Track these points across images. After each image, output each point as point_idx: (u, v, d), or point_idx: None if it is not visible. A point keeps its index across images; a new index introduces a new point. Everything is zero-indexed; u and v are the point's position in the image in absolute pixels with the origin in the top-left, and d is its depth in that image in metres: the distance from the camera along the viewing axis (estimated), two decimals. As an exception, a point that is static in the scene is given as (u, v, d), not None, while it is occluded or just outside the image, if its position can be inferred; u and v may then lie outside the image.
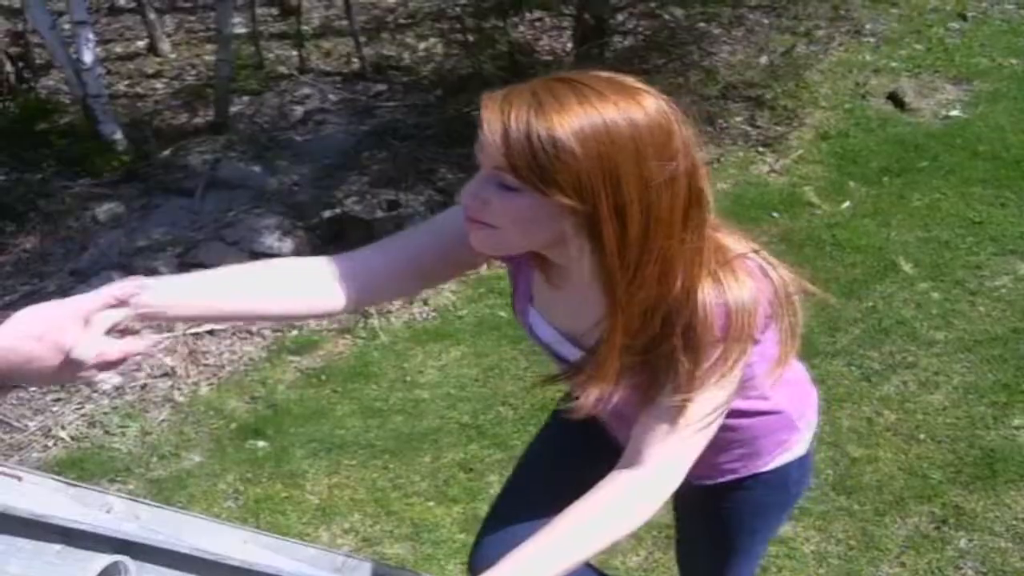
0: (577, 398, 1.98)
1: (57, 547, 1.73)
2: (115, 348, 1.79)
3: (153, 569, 1.86)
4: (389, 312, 5.80)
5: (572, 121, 1.70)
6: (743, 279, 1.85)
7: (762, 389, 2.18)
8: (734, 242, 1.92)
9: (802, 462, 2.48)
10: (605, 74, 1.80)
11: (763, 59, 7.76)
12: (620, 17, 7.82)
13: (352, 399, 5.22)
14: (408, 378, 5.34)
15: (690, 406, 1.92)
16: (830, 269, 5.71)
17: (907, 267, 5.66)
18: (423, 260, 2.12)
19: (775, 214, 6.33)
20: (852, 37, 8.19)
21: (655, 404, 1.95)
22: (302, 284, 2.07)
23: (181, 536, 2.02)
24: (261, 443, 4.99)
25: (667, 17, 7.74)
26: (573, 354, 2.10)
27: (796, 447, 2.43)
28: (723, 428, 2.02)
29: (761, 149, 7.06)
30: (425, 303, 5.85)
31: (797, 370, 2.42)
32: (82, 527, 1.74)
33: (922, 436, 4.56)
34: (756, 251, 1.93)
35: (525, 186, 1.74)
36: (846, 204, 6.37)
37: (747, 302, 1.84)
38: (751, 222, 6.15)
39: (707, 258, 1.84)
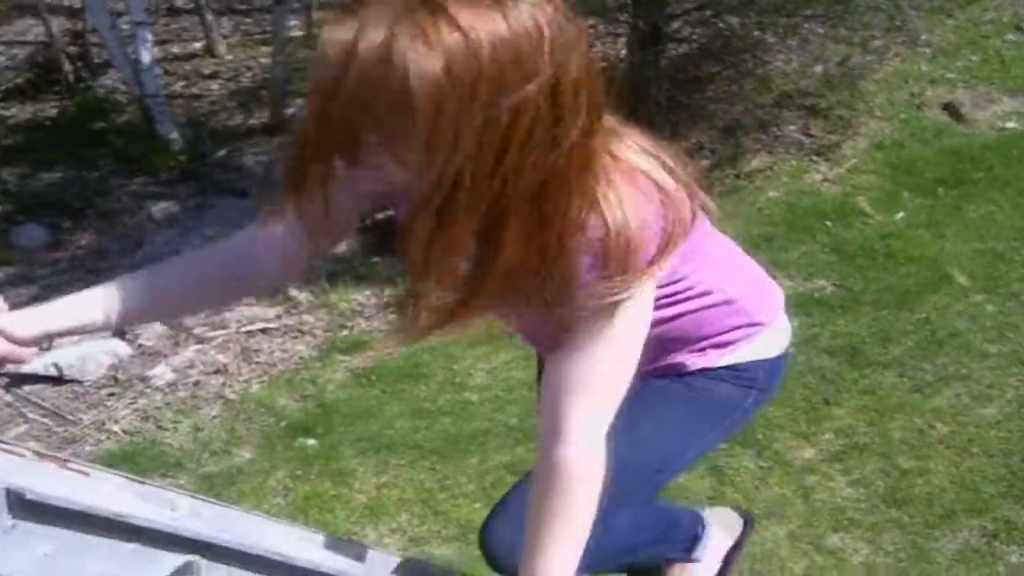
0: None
1: (131, 546, 1.72)
2: None
3: (224, 569, 1.86)
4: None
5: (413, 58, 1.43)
6: (630, 200, 1.65)
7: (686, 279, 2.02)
8: (632, 153, 1.71)
9: (771, 364, 2.32)
10: None
11: (818, 68, 7.69)
12: (675, 25, 7.79)
13: (401, 400, 5.22)
14: (457, 380, 5.33)
15: (594, 354, 1.77)
16: (883, 280, 5.66)
17: (961, 279, 5.60)
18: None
19: (828, 224, 6.27)
20: (908, 47, 8.11)
21: (555, 360, 1.80)
22: (265, 251, 1.96)
23: (246, 536, 2.01)
24: (311, 441, 4.99)
25: (722, 25, 7.70)
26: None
27: (760, 343, 2.28)
28: (654, 323, 1.86)
29: (815, 158, 7.01)
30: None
31: (747, 263, 2.30)
32: (157, 526, 1.74)
33: (974, 449, 4.50)
34: (655, 160, 1.72)
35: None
36: (900, 215, 6.31)
37: (631, 228, 1.64)
38: (804, 231, 6.12)
39: (587, 177, 1.61)
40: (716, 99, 7.39)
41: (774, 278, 2.36)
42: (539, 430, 1.87)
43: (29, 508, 1.64)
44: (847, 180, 6.75)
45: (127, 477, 1.99)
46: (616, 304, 1.71)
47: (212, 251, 2.07)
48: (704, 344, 2.21)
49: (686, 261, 1.90)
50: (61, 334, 1.91)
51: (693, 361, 2.24)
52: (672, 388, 2.25)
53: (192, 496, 2.10)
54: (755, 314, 2.24)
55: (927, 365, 5.01)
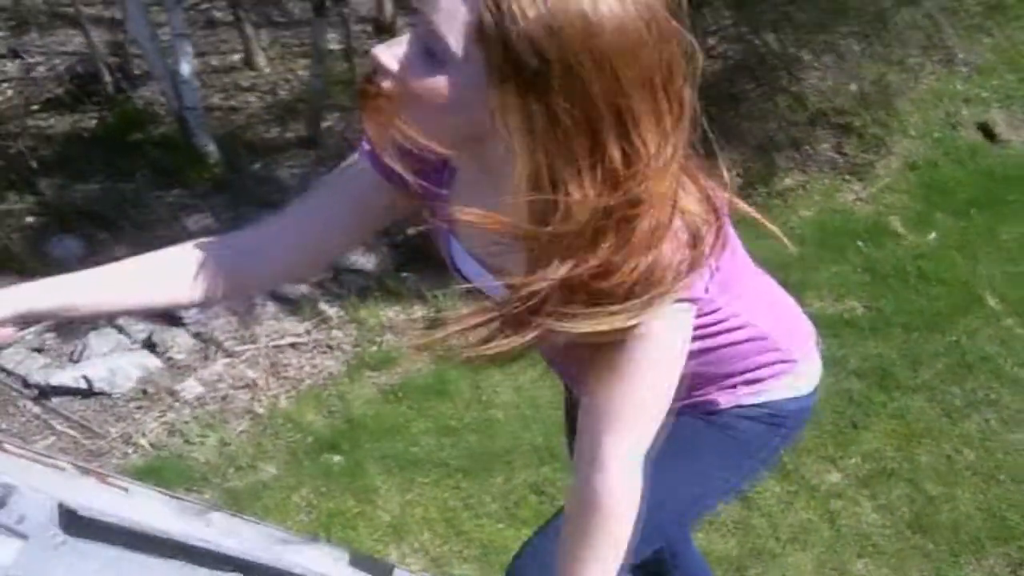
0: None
1: (179, 563, 1.72)
2: None
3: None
4: (467, 331, 5.72)
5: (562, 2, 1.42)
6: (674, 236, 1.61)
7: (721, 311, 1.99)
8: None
9: (801, 402, 2.31)
10: None
11: (853, 86, 7.62)
12: (711, 41, 7.72)
13: (427, 417, 5.19)
14: (484, 397, 5.29)
15: (631, 383, 1.76)
16: (914, 301, 5.59)
17: (993, 302, 5.53)
18: (344, 224, 1.96)
19: (860, 243, 6.21)
20: (944, 66, 8.02)
21: (592, 389, 1.79)
22: (185, 272, 1.94)
23: (281, 556, 2.00)
24: (336, 458, 4.97)
25: (758, 42, 7.64)
26: (496, 291, 1.80)
27: (791, 381, 2.27)
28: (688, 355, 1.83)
29: (848, 177, 6.93)
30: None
31: (782, 298, 2.29)
32: (204, 545, 1.74)
33: (1002, 476, 4.45)
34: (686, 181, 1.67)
35: (462, 62, 1.49)
36: (932, 235, 6.24)
37: (656, 260, 1.60)
38: (835, 251, 6.05)
39: (666, 191, 1.57)
40: (749, 116, 7.32)
41: (803, 300, 2.32)
42: (576, 458, 1.88)
43: (77, 524, 1.64)
44: (880, 200, 6.68)
45: (163, 492, 2.00)
46: (647, 334, 1.69)
47: (212, 244, 2.00)
48: (735, 380, 2.19)
49: (722, 292, 1.88)
50: (38, 316, 1.87)
51: (724, 399, 2.22)
52: (702, 430, 2.24)
53: (223, 511, 2.10)
54: (788, 351, 2.22)
55: (956, 389, 4.95)
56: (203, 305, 2.00)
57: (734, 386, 2.22)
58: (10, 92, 8.56)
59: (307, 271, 2.08)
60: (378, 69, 1.59)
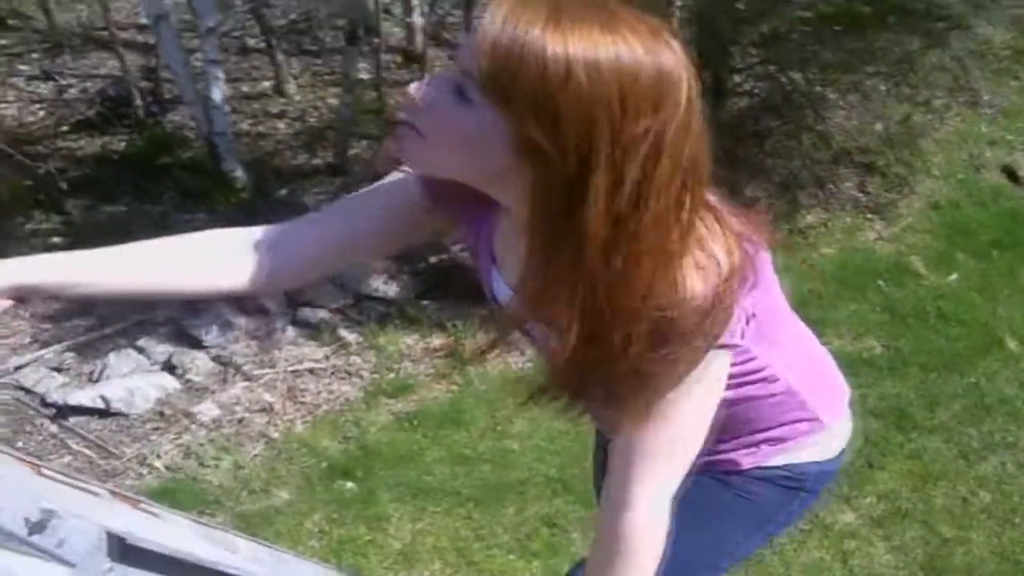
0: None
1: None
2: None
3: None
4: (486, 360, 5.69)
5: (590, 48, 1.44)
6: (690, 270, 1.58)
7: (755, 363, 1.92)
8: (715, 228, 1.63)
9: (825, 467, 2.20)
10: (637, 11, 1.52)
11: (878, 126, 7.56)
12: (737, 79, 7.68)
13: (442, 445, 5.12)
14: (499, 427, 5.22)
15: (663, 426, 1.71)
16: (933, 342, 5.51)
17: (1012, 344, 5.44)
18: (368, 232, 1.92)
19: (880, 282, 6.13)
20: (970, 108, 7.95)
21: (624, 430, 1.74)
22: (207, 258, 1.90)
23: None
24: (349, 484, 4.91)
25: (784, 80, 7.59)
26: (539, 331, 1.79)
27: (816, 444, 2.16)
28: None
29: (870, 216, 6.86)
30: (522, 353, 5.73)
31: (819, 353, 2.19)
32: (236, 573, 1.71)
33: (1017, 520, 4.35)
34: (716, 221, 1.63)
35: (487, 103, 1.49)
36: (953, 276, 6.16)
37: (692, 300, 1.57)
38: (855, 289, 5.98)
39: (686, 241, 1.56)
40: (774, 153, 7.27)
41: (822, 337, 2.23)
42: (603, 497, 1.84)
43: (123, 551, 1.65)
44: (901, 239, 6.60)
45: (191, 519, 1.99)
46: (682, 377, 1.65)
47: (245, 233, 1.94)
48: (759, 438, 2.09)
49: (758, 340, 1.80)
50: (32, 290, 1.79)
51: (745, 459, 2.13)
52: (719, 494, 2.16)
53: (246, 538, 2.07)
54: (818, 411, 2.11)
55: (974, 431, 4.86)
56: (239, 294, 1.93)
57: (757, 444, 2.12)
58: (42, 113, 8.58)
59: (331, 268, 2.01)
60: (409, 103, 1.60)
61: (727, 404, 1.86)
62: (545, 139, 1.46)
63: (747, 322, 1.69)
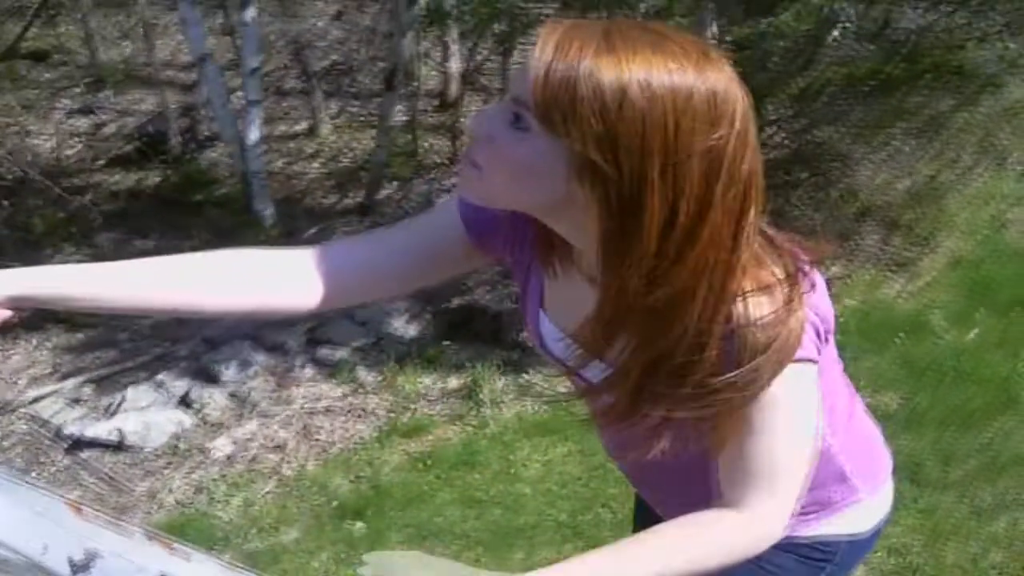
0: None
1: None
2: None
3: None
4: (501, 403, 5.61)
5: (643, 71, 1.41)
6: (758, 292, 1.53)
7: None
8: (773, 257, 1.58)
9: (857, 543, 2.03)
10: (685, 33, 1.50)
11: (904, 183, 7.48)
12: (769, 131, 7.61)
13: (454, 487, 5.03)
14: (512, 471, 5.13)
15: (758, 458, 1.61)
16: (950, 399, 5.37)
17: (1029, 403, 5.31)
18: (408, 261, 1.81)
19: (899, 337, 6.00)
20: (996, 167, 7.83)
21: (727, 450, 1.62)
22: (257, 277, 1.78)
23: None
24: (359, 524, 4.82)
25: (815, 135, 7.54)
26: (596, 371, 1.68)
27: (850, 518, 1.99)
28: None
29: (892, 271, 6.74)
30: (538, 396, 5.65)
31: (864, 419, 2.04)
32: None
33: (1026, 580, 4.22)
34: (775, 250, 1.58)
35: (544, 131, 1.45)
36: (973, 333, 6.01)
37: (762, 321, 1.51)
38: (874, 343, 5.85)
39: (747, 257, 1.52)
40: (800, 205, 7.19)
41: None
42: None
43: None
44: (922, 295, 6.48)
45: (219, 561, 1.93)
46: (769, 401, 1.57)
47: (264, 256, 1.83)
48: None
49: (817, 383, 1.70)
50: (39, 302, 1.67)
51: None
52: (742, 564, 2.01)
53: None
54: (855, 480, 1.96)
55: (987, 489, 4.71)
56: (288, 315, 1.84)
57: None
58: (79, 147, 8.60)
59: (361, 296, 1.90)
60: (470, 135, 1.57)
61: None
62: (604, 163, 1.43)
63: (820, 337, 1.61)
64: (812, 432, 1.65)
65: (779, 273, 1.55)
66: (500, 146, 1.50)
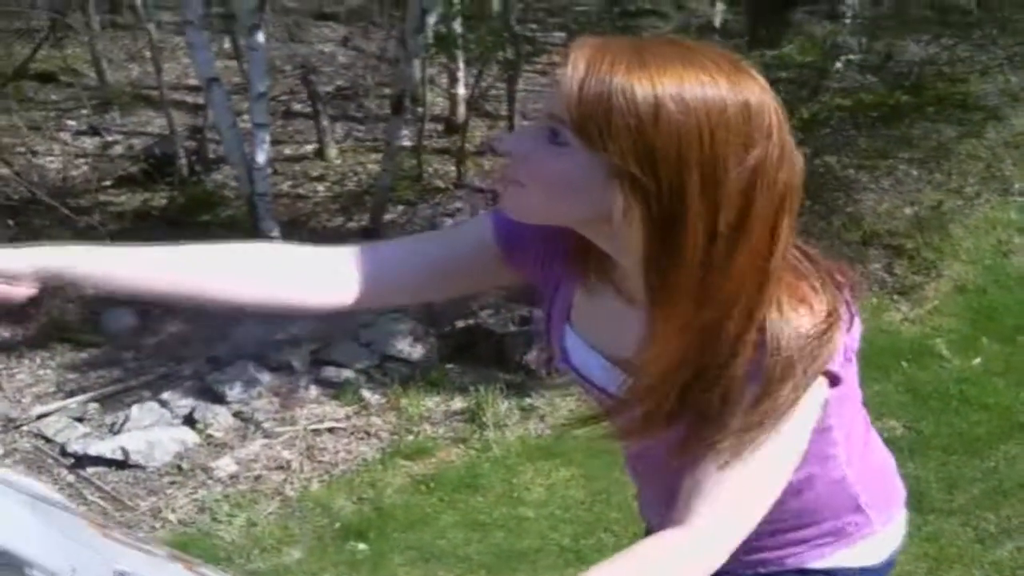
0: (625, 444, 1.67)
1: None
2: None
3: None
4: (505, 426, 5.57)
5: (676, 84, 1.41)
6: (793, 309, 1.50)
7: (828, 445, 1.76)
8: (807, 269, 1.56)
9: (867, 574, 1.95)
10: (714, 47, 1.49)
11: (908, 210, 7.46)
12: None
13: (457, 509, 4.98)
14: (515, 494, 5.08)
15: (753, 451, 1.54)
16: (954, 425, 5.34)
17: (1034, 429, 5.27)
18: (436, 268, 1.79)
19: (904, 364, 5.96)
20: (1000, 195, 7.82)
21: (710, 450, 1.55)
22: (297, 271, 1.76)
23: None
24: (361, 545, 4.77)
25: (818, 163, 7.51)
26: (620, 385, 1.67)
27: (863, 549, 1.92)
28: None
29: (896, 297, 6.72)
30: (541, 419, 5.61)
31: (880, 448, 2.00)
32: None
33: (1031, 607, 4.17)
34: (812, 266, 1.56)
35: (582, 146, 1.44)
36: (977, 360, 5.99)
37: (796, 339, 1.49)
38: (879, 369, 5.81)
39: (780, 277, 1.50)
40: (804, 232, 7.07)
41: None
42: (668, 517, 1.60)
43: None
44: (927, 322, 6.45)
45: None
46: (777, 420, 1.52)
47: (288, 250, 1.81)
48: (803, 535, 1.88)
49: (837, 411, 1.69)
50: (61, 278, 1.63)
51: (781, 560, 1.93)
52: None
53: None
54: (869, 511, 1.89)
55: (991, 516, 4.67)
56: (323, 311, 1.80)
57: (796, 544, 1.91)
58: (86, 168, 8.58)
59: (387, 300, 1.86)
60: (502, 153, 1.57)
61: (784, 490, 1.66)
62: (642, 175, 1.42)
63: (848, 359, 1.58)
64: (796, 459, 1.59)
65: (817, 287, 1.53)
66: (539, 162, 1.50)
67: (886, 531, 1.96)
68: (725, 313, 1.47)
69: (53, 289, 1.64)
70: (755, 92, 1.45)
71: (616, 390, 1.67)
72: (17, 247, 1.63)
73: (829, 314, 1.51)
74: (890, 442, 4.89)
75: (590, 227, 1.57)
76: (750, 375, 1.49)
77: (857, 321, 1.59)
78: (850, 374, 1.62)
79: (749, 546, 1.64)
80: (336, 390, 5.85)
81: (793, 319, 1.49)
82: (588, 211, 1.51)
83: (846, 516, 1.89)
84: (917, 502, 4.73)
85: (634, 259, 1.51)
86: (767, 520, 1.67)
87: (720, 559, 1.55)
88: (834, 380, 1.56)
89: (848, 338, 1.56)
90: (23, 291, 1.61)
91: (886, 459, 2.03)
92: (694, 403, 1.53)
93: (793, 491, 1.74)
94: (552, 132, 1.47)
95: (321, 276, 1.76)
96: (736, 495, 1.56)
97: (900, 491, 2.03)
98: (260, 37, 7.04)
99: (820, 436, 1.69)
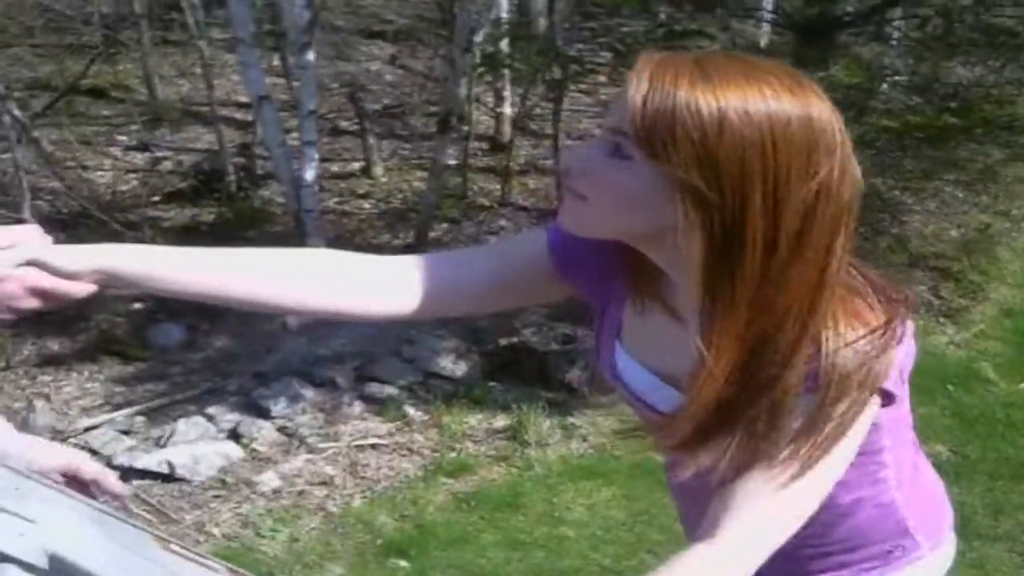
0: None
1: None
2: (42, 278, 1.60)
3: None
4: (547, 444, 5.54)
5: (739, 98, 1.41)
6: (850, 324, 1.50)
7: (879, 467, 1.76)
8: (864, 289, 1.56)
9: None
10: (777, 63, 1.51)
11: (955, 232, 7.41)
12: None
13: (498, 528, 4.95)
14: (556, 513, 5.05)
15: (798, 469, 1.54)
16: (1000, 449, 5.28)
17: (1081, 456, 5.21)
18: (493, 280, 1.80)
19: (950, 387, 5.90)
20: (1048, 217, 7.77)
21: (753, 467, 1.55)
22: (357, 278, 1.77)
23: None
24: (403, 563, 4.75)
25: (864, 183, 7.48)
26: (671, 401, 1.67)
27: (908, 569, 1.90)
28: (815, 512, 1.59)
29: (942, 320, 6.66)
30: (584, 439, 5.59)
31: (927, 469, 1.99)
32: None
33: (1078, 634, 4.11)
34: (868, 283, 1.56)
35: (646, 160, 1.44)
36: (1024, 384, 5.94)
37: (853, 355, 1.49)
38: (924, 393, 5.75)
39: (835, 292, 1.50)
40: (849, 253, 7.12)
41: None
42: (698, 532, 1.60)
43: None
44: (973, 345, 6.39)
45: None
46: (828, 438, 1.53)
47: (348, 258, 1.81)
48: (851, 558, 1.87)
49: (889, 434, 1.70)
50: (118, 277, 1.65)
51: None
52: None
53: None
54: (918, 535, 1.89)
55: (1037, 542, 4.62)
56: (376, 319, 1.81)
57: (845, 566, 1.89)
58: (135, 183, 8.63)
59: (440, 311, 1.87)
60: (567, 167, 1.57)
61: (832, 511, 1.71)
62: (706, 188, 1.43)
63: (902, 379, 1.59)
64: (834, 479, 1.59)
65: (873, 304, 1.53)
66: (603, 175, 1.50)
67: (934, 556, 1.94)
68: (778, 326, 1.48)
69: (105, 296, 1.66)
70: (818, 107, 1.45)
71: (664, 407, 1.67)
72: (77, 246, 1.65)
73: (885, 332, 1.50)
74: (936, 466, 4.83)
75: (648, 241, 1.57)
76: (803, 391, 1.49)
77: (911, 342, 1.58)
78: (903, 395, 1.61)
79: (798, 568, 1.64)
80: (379, 406, 5.84)
81: (849, 335, 1.49)
82: (648, 225, 1.51)
83: (895, 540, 1.88)
84: (962, 527, 4.66)
85: (690, 273, 1.50)
86: (817, 543, 1.68)
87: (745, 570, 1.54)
88: (888, 399, 1.56)
89: (903, 358, 1.55)
90: (82, 288, 1.63)
91: (935, 483, 2.02)
92: (743, 419, 1.52)
93: (843, 514, 1.77)
94: (615, 146, 1.48)
95: (380, 284, 1.77)
96: (766, 511, 1.55)
97: (949, 516, 2.03)
98: (310, 56, 7.07)
99: (871, 459, 1.72)
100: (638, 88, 1.43)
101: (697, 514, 1.68)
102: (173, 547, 1.67)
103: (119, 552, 1.46)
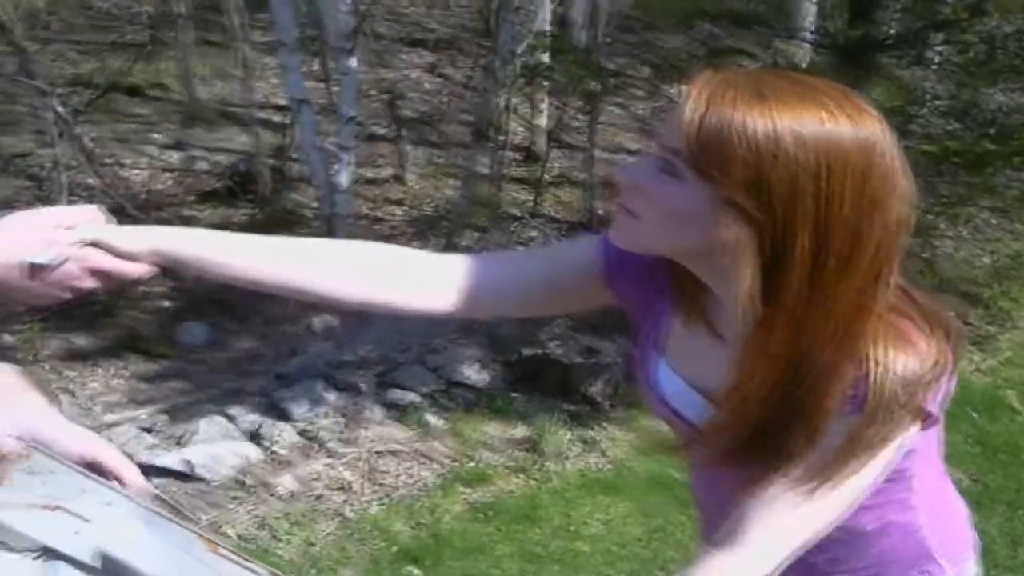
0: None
1: None
2: (103, 259, 1.62)
3: None
4: (566, 457, 5.51)
5: (795, 121, 1.41)
6: (895, 344, 1.48)
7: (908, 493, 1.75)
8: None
9: None
10: (833, 83, 1.50)
11: (986, 259, 7.34)
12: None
13: (514, 540, 4.93)
14: (572, 527, 5.02)
15: (824, 487, 1.53)
16: (1021, 479, 5.25)
17: (1103, 490, 5.15)
18: (539, 283, 1.82)
19: (974, 414, 5.85)
20: (1080, 246, 7.71)
21: (782, 482, 1.54)
22: (404, 273, 1.79)
23: None
24: (417, 571, 4.73)
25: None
26: (698, 413, 1.69)
27: None
28: (843, 536, 1.62)
29: (969, 347, 6.58)
30: (603, 453, 5.55)
31: (953, 498, 1.97)
32: None
33: (1093, 668, 4.05)
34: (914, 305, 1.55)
35: (698, 179, 1.44)
36: (1049, 415, 5.88)
37: (899, 374, 1.47)
38: (948, 419, 5.66)
39: (880, 314, 1.49)
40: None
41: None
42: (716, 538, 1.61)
43: None
44: (999, 372, 6.34)
45: None
46: (862, 458, 1.52)
47: (398, 252, 1.85)
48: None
49: (920, 459, 1.69)
50: (176, 260, 1.69)
51: None
52: None
53: None
54: (942, 560, 1.87)
55: (1056, 575, 4.56)
56: (422, 315, 1.82)
57: None
58: (170, 182, 8.65)
59: (484, 311, 1.90)
60: (620, 184, 1.58)
61: (860, 537, 1.74)
62: (756, 210, 1.43)
63: (943, 405, 1.57)
64: (855, 500, 1.57)
65: (924, 328, 1.51)
66: (654, 193, 1.51)
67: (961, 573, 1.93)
68: (819, 347, 1.46)
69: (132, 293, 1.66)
70: (873, 130, 1.44)
71: (701, 422, 1.66)
72: (136, 227, 1.71)
73: (937, 361, 1.48)
74: (955, 494, 4.79)
75: (696, 258, 1.57)
76: (848, 411, 1.48)
77: (954, 369, 1.55)
78: (941, 419, 1.60)
79: None
80: (401, 413, 5.82)
81: (900, 359, 1.47)
82: (698, 242, 1.51)
83: (920, 564, 1.85)
84: (980, 557, 4.65)
85: (736, 291, 1.48)
86: (844, 568, 1.69)
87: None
88: (930, 419, 1.55)
89: (947, 384, 1.53)
90: (139, 268, 1.66)
91: (960, 509, 2.00)
92: (779, 437, 1.52)
93: (871, 538, 1.76)
94: (668, 164, 1.48)
95: (428, 280, 1.79)
96: (783, 526, 1.55)
97: (972, 541, 2.01)
98: (352, 62, 7.07)
99: (901, 484, 1.71)
100: (695, 108, 1.43)
101: (719, 516, 1.67)
102: (221, 550, 1.66)
103: (172, 553, 1.46)
